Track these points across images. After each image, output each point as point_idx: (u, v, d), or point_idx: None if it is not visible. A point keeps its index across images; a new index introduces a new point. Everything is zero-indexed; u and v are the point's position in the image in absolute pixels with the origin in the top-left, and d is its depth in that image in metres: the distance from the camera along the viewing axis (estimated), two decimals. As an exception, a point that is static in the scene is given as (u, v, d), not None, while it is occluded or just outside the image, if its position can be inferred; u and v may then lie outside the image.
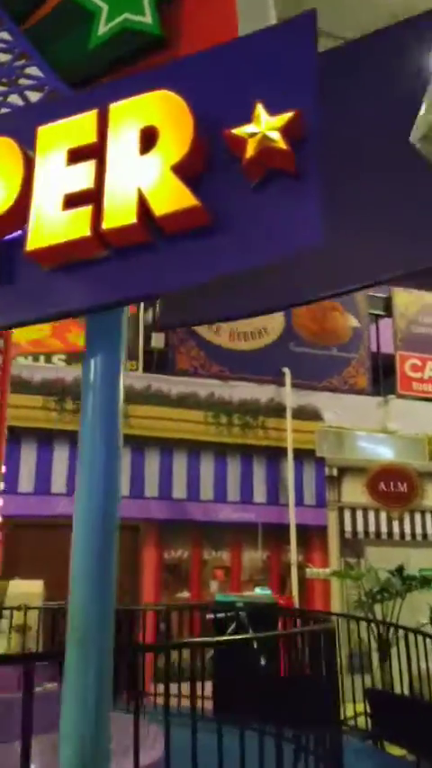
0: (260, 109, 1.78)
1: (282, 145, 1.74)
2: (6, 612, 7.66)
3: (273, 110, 1.76)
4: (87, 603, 2.18)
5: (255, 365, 10.63)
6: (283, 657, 5.61)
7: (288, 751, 4.19)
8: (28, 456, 9.41)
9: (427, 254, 1.57)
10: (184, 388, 10.11)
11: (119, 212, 1.82)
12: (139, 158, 1.86)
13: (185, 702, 4.26)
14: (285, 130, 1.75)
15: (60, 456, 9.54)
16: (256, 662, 5.32)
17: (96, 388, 2.29)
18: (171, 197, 1.80)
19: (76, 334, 10.39)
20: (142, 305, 10.42)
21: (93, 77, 2.13)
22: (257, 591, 7.89)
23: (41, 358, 10.18)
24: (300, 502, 10.37)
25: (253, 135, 1.78)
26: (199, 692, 5.71)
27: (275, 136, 1.76)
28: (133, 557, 9.75)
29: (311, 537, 10.53)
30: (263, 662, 5.46)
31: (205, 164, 1.84)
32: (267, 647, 5.56)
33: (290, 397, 10.55)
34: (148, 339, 10.50)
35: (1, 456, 5.26)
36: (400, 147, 1.63)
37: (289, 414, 10.44)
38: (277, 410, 10.48)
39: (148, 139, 1.86)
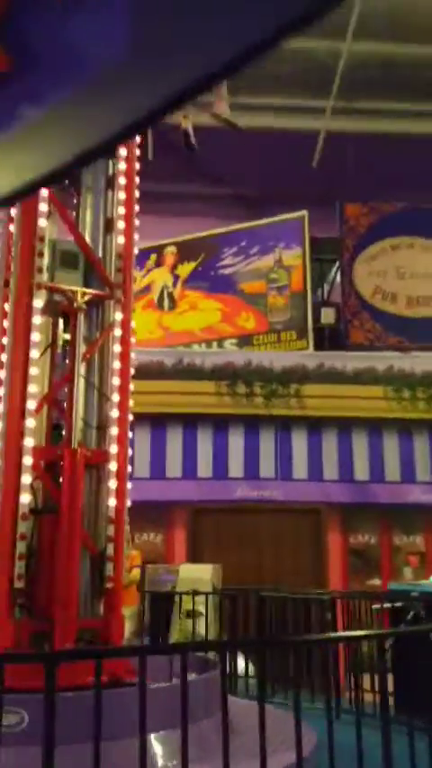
0: None
1: None
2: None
3: None
4: None
5: (438, 332, 9.42)
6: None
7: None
8: (205, 442, 9.20)
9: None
10: (359, 364, 9.23)
11: None
12: None
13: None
14: None
15: (236, 441, 9.21)
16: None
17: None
18: None
19: (244, 318, 10.03)
20: (309, 282, 9.74)
21: None
22: (433, 579, 6.85)
23: (214, 344, 9.97)
24: None
25: None
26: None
27: None
28: (316, 541, 9.12)
29: None
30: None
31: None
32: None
33: None
34: (317, 316, 9.78)
35: (124, 440, 4.98)
36: None
37: None
38: (468, 379, 9.18)
39: None
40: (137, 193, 5.40)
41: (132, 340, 5.21)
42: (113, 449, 4.88)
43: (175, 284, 10.24)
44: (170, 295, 10.21)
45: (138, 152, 5.56)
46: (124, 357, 5.04)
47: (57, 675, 3.01)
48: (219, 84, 6.25)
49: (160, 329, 10.15)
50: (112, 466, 4.86)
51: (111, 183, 5.34)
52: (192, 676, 4.98)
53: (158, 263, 10.29)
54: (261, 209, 10.82)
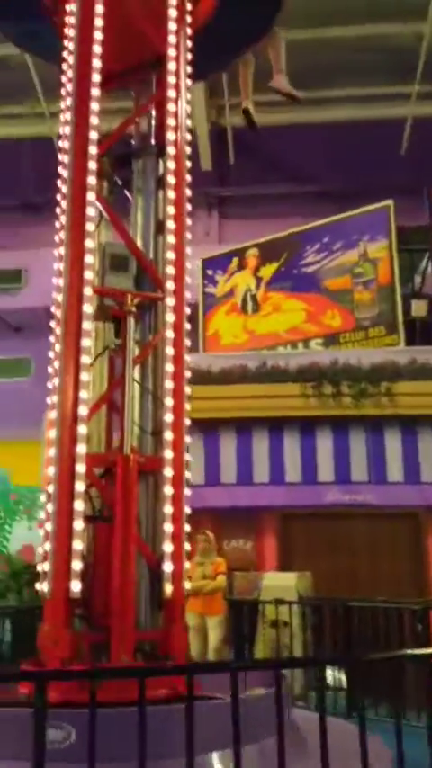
0: None
1: None
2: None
3: None
4: None
5: None
6: None
7: None
8: (292, 445, 8.82)
9: None
10: (455, 358, 8.53)
11: None
12: None
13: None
14: None
15: (324, 443, 8.76)
16: None
17: None
18: None
19: (330, 316, 9.57)
20: (397, 273, 9.11)
21: None
22: None
23: (300, 345, 9.58)
24: None
25: None
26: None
27: None
28: (415, 547, 8.48)
29: None
30: None
31: None
32: None
33: None
34: (408, 309, 9.14)
35: (180, 446, 4.76)
36: None
37: None
38: None
39: None
40: (188, 192, 5.18)
41: (187, 342, 4.98)
42: (168, 454, 4.66)
43: (258, 287, 9.95)
44: (253, 298, 9.93)
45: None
46: (178, 360, 4.81)
47: (96, 691, 2.76)
48: (277, 57, 5.92)
49: (245, 333, 9.90)
50: (168, 472, 4.64)
51: (161, 183, 5.16)
52: (261, 690, 4.66)
53: (241, 267, 10.05)
54: (347, 203, 10.32)
